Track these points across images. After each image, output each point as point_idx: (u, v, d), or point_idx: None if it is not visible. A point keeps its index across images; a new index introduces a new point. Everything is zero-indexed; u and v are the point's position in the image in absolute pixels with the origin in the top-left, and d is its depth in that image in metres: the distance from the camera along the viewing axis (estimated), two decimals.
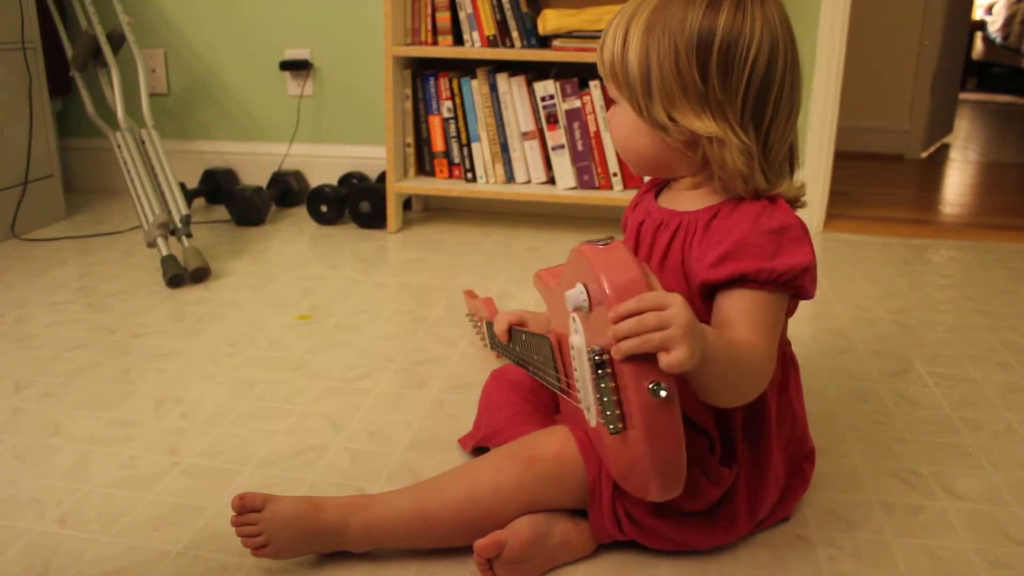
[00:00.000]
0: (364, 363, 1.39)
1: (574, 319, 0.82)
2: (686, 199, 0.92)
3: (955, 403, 1.28)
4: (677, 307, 0.72)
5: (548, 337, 0.93)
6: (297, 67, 2.34)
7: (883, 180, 2.98)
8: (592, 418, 0.84)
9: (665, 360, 0.71)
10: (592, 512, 0.89)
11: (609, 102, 0.93)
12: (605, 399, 0.76)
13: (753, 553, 0.92)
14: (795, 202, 0.90)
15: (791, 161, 0.91)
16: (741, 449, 0.90)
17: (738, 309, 0.83)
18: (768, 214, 0.85)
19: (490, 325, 1.15)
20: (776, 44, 0.85)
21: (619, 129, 0.92)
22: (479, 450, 1.08)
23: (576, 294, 0.77)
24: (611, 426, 0.76)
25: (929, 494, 1.04)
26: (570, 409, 0.94)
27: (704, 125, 0.84)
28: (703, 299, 0.86)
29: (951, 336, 1.53)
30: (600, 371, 0.75)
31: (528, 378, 1.07)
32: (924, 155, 3.47)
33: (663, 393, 0.72)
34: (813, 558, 0.92)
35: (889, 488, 1.05)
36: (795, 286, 0.84)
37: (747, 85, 0.84)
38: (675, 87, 0.84)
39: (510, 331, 1.10)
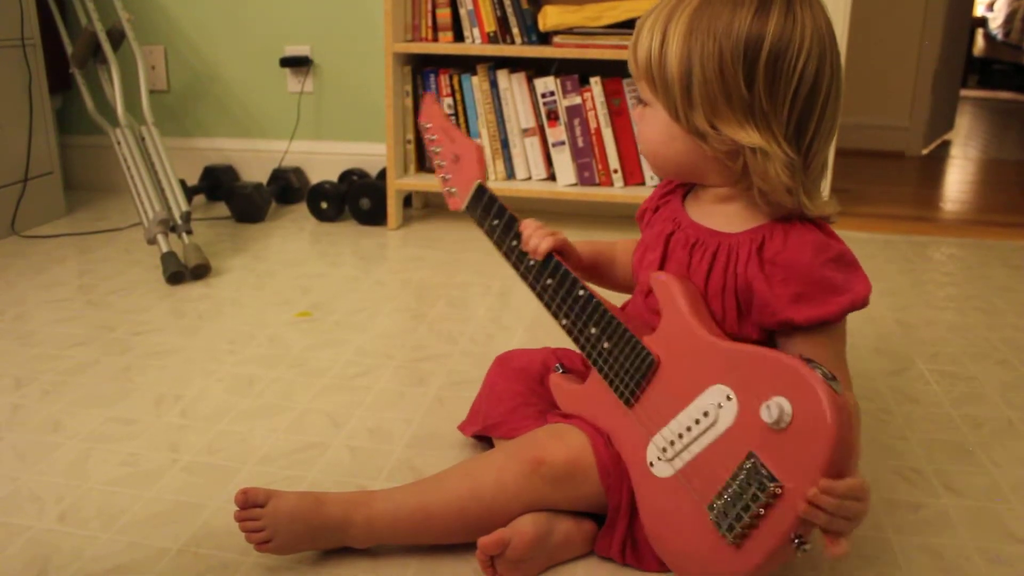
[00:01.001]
0: (364, 360, 1.39)
1: (728, 396, 0.76)
2: (720, 215, 0.88)
3: (956, 401, 1.28)
4: (867, 503, 0.71)
5: (653, 354, 0.84)
6: (297, 64, 2.34)
7: (884, 177, 2.98)
8: (667, 470, 0.82)
9: (834, 550, 0.70)
10: (603, 535, 0.89)
11: (636, 101, 0.88)
12: (742, 513, 0.73)
13: None
14: (830, 220, 0.87)
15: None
16: None
17: (819, 348, 0.83)
18: (823, 242, 0.83)
19: (483, 192, 1.00)
20: (824, 53, 0.81)
21: (650, 133, 0.87)
22: (479, 436, 1.08)
23: (781, 411, 0.71)
24: (728, 536, 0.75)
25: (930, 492, 1.04)
26: (591, 402, 0.92)
27: (748, 136, 0.80)
28: (757, 329, 0.85)
29: (952, 334, 1.53)
30: (759, 492, 0.72)
31: (533, 366, 1.04)
32: (925, 152, 3.47)
33: (804, 549, 0.71)
34: (813, 555, 0.92)
35: (890, 485, 1.05)
36: (859, 309, 0.85)
37: (794, 95, 0.80)
38: (719, 94, 0.80)
39: (548, 258, 0.94)
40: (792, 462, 0.71)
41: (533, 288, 0.96)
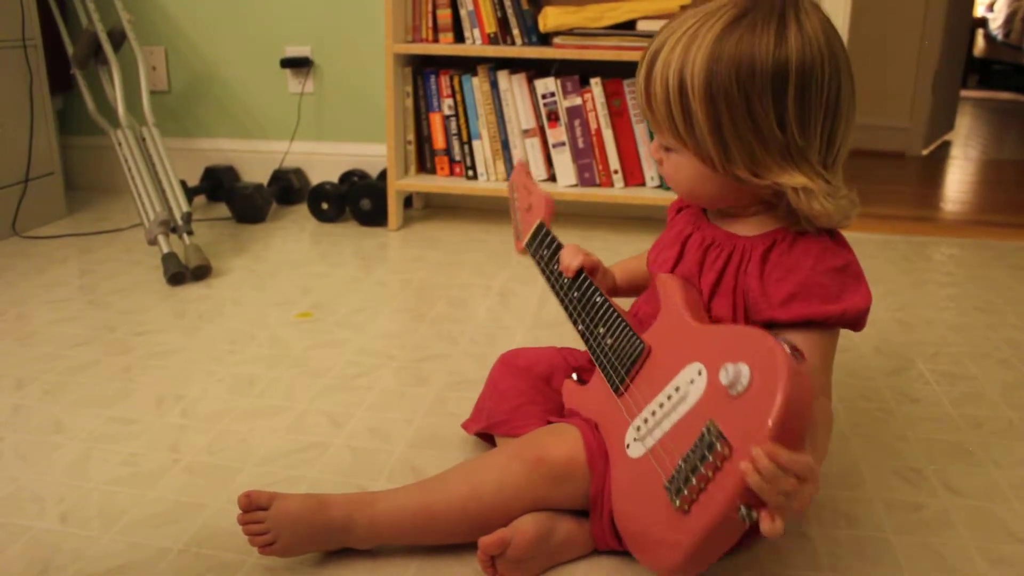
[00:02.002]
0: (365, 361, 1.39)
1: (700, 371, 0.77)
2: (740, 220, 0.89)
3: (956, 400, 1.28)
4: (812, 487, 0.69)
5: (644, 343, 0.86)
6: (298, 64, 2.34)
7: (884, 177, 2.98)
8: (639, 449, 0.82)
9: (767, 525, 0.69)
10: (594, 522, 0.89)
11: (657, 146, 0.86)
12: (690, 475, 0.74)
13: (753, 550, 0.92)
14: (845, 223, 0.85)
15: None
16: None
17: (804, 348, 0.83)
18: (831, 251, 0.84)
19: (542, 229, 1.05)
20: (838, 59, 0.80)
21: (681, 177, 0.86)
22: (481, 435, 1.08)
23: (738, 374, 0.72)
24: (675, 501, 0.75)
25: (930, 492, 1.04)
26: (592, 402, 0.93)
27: (791, 178, 0.79)
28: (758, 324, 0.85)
29: (952, 334, 1.53)
30: (707, 451, 0.72)
31: (538, 365, 1.05)
32: (925, 152, 3.47)
33: (750, 518, 0.70)
34: (814, 555, 0.92)
35: (890, 485, 1.05)
36: (853, 324, 0.84)
37: (824, 118, 0.80)
38: (756, 145, 0.79)
39: (578, 273, 0.98)
40: (744, 424, 0.71)
41: (562, 302, 0.99)
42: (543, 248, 1.04)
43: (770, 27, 0.78)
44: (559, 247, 1.02)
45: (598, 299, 0.94)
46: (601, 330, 0.92)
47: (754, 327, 0.78)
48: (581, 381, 0.99)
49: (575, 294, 0.97)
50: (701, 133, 0.80)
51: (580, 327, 0.95)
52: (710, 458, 0.72)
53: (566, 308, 0.98)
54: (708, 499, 0.72)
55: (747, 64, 0.77)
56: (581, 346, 0.98)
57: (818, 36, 0.79)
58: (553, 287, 1.01)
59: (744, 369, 0.72)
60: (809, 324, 0.83)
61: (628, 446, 0.84)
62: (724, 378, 0.73)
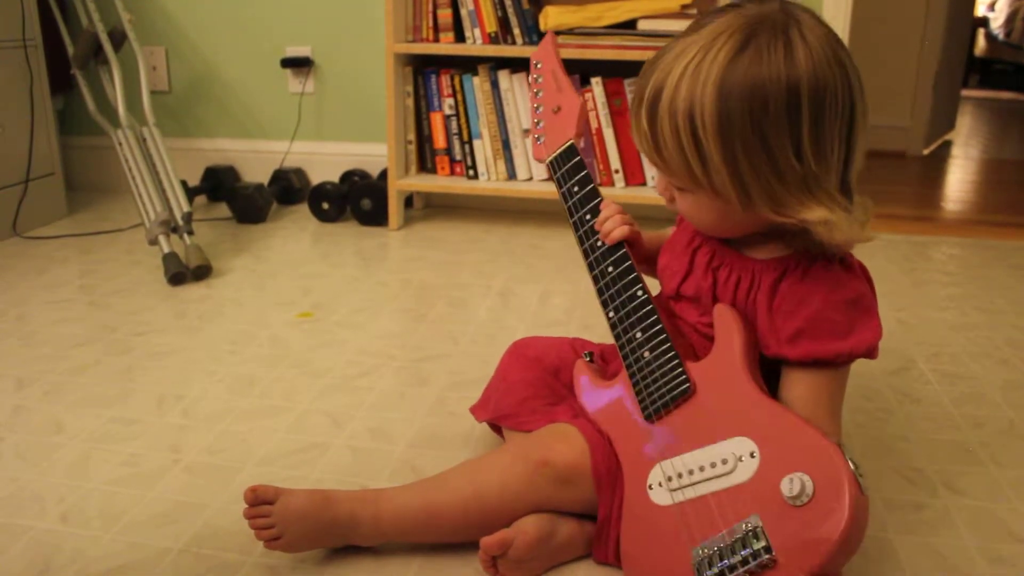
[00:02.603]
0: (365, 361, 1.39)
1: (753, 454, 0.75)
2: (748, 241, 0.86)
3: (957, 400, 1.28)
4: None
5: (690, 382, 0.82)
6: (298, 64, 2.34)
7: (885, 177, 2.98)
8: (664, 498, 0.80)
9: None
10: (597, 549, 0.89)
11: (667, 184, 0.87)
12: (726, 570, 0.73)
13: None
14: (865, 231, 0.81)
15: None
16: None
17: (811, 390, 0.82)
18: (843, 283, 0.81)
19: (572, 153, 0.95)
20: (846, 69, 0.76)
21: (702, 215, 0.83)
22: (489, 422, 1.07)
23: (803, 486, 0.70)
24: None
25: (931, 491, 1.04)
26: (611, 410, 0.90)
27: (812, 212, 0.75)
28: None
29: (953, 333, 1.53)
30: (751, 558, 0.72)
31: (548, 356, 1.03)
32: (926, 152, 3.47)
33: None
34: None
35: (891, 485, 1.05)
36: (864, 356, 0.83)
37: (840, 140, 0.76)
38: (774, 182, 0.75)
39: (618, 245, 0.91)
40: (794, 541, 0.70)
41: (591, 269, 0.92)
42: (572, 180, 0.96)
43: (777, 50, 0.74)
44: (594, 192, 0.94)
45: (639, 293, 0.88)
46: (639, 336, 0.87)
47: (817, 430, 0.75)
48: (592, 363, 0.97)
49: (609, 268, 0.90)
50: (719, 174, 0.76)
51: (612, 315, 0.89)
52: (751, 564, 0.72)
53: (595, 278, 0.92)
54: None
55: (760, 95, 0.73)
56: (587, 335, 0.95)
57: (825, 50, 0.75)
58: (581, 241, 0.93)
59: (809, 486, 0.71)
60: (817, 362, 0.82)
61: (651, 487, 0.82)
62: (787, 489, 0.71)
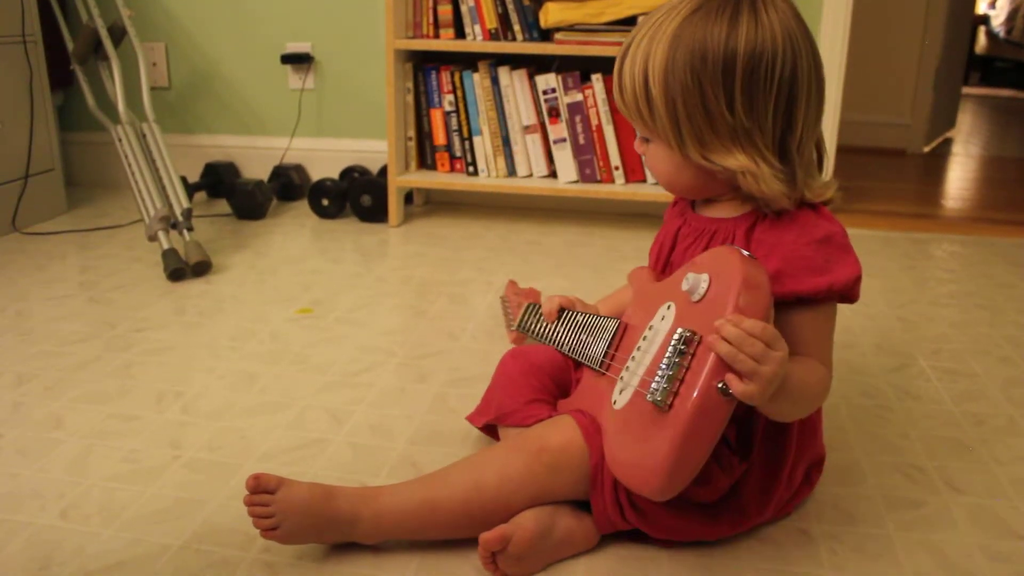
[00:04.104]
0: (365, 357, 1.39)
1: (668, 306, 0.84)
2: (721, 205, 0.92)
3: (957, 398, 1.28)
4: (781, 353, 0.74)
5: (619, 319, 0.95)
6: (298, 61, 2.34)
7: (885, 174, 2.98)
8: (626, 395, 0.84)
9: (740, 387, 0.73)
10: (594, 498, 0.89)
11: (639, 138, 0.95)
12: (669, 374, 0.77)
13: (754, 547, 0.92)
14: (829, 203, 0.89)
15: (819, 153, 0.91)
16: (758, 446, 0.90)
17: (797, 327, 0.84)
18: (812, 222, 0.86)
19: (531, 306, 1.12)
20: (797, 49, 0.83)
21: (660, 166, 0.91)
22: (485, 428, 1.08)
23: (698, 279, 0.79)
24: (660, 399, 0.77)
25: (931, 489, 1.04)
26: (585, 395, 0.95)
27: (736, 160, 0.83)
28: None
29: (953, 331, 1.53)
30: (681, 347, 0.77)
31: (548, 363, 1.05)
32: (926, 150, 3.46)
33: (729, 393, 0.74)
34: (815, 552, 0.92)
35: (891, 483, 1.05)
36: (846, 295, 0.86)
37: (775, 103, 0.83)
38: (704, 127, 0.83)
39: (560, 311, 1.05)
40: (709, 317, 0.76)
41: (559, 347, 1.03)
42: (533, 318, 1.09)
43: (723, 17, 0.82)
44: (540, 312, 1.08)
45: (579, 318, 1.01)
46: (584, 337, 0.98)
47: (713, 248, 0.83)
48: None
49: (561, 329, 1.03)
50: (659, 116, 0.84)
51: (565, 348, 1.01)
52: (684, 349, 0.77)
53: (559, 347, 1.03)
54: (687, 387, 0.76)
55: (700, 51, 0.82)
56: None
57: (774, 25, 0.82)
58: (552, 342, 1.05)
59: (703, 275, 0.79)
60: (800, 301, 0.84)
61: (615, 402, 0.86)
62: (685, 285, 0.79)
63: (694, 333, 0.77)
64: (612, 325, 0.95)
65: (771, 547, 0.93)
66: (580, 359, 0.98)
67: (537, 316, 1.09)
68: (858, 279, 0.86)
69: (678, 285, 0.82)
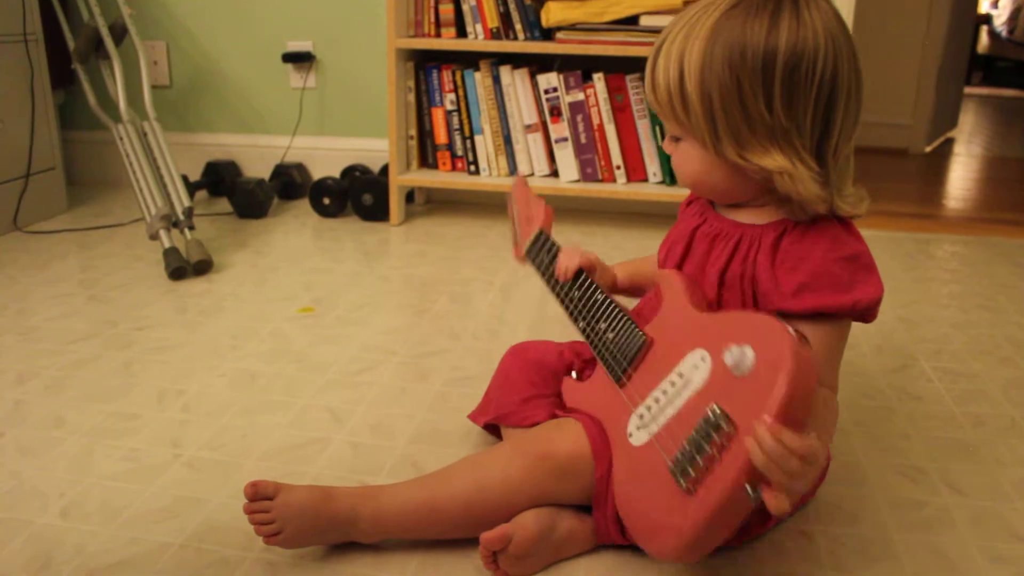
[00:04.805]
0: (366, 356, 1.39)
1: (703, 358, 0.78)
2: (748, 210, 0.90)
3: (958, 398, 1.27)
4: (815, 470, 0.70)
5: (646, 334, 0.87)
6: (299, 59, 2.33)
7: (887, 174, 2.97)
8: (643, 436, 0.82)
9: (771, 501, 0.70)
10: (597, 514, 0.89)
11: (669, 139, 0.91)
12: (695, 456, 0.74)
13: (755, 548, 0.92)
14: (859, 216, 0.87)
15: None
16: None
17: (815, 341, 0.82)
18: (841, 239, 0.84)
19: (541, 236, 1.05)
20: (839, 50, 0.81)
21: (688, 167, 0.87)
22: (487, 427, 1.08)
23: (743, 357, 0.73)
24: (682, 482, 0.75)
25: (932, 490, 1.04)
26: (595, 398, 0.93)
27: (773, 160, 0.81)
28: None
29: (955, 331, 1.53)
30: (712, 430, 0.73)
31: (548, 358, 1.04)
32: (928, 149, 3.46)
33: (756, 498, 0.71)
34: (815, 553, 0.92)
35: (892, 484, 1.05)
36: (864, 315, 0.85)
37: (815, 104, 0.80)
38: (742, 125, 0.81)
39: (578, 274, 0.98)
40: (749, 405, 0.71)
41: (563, 304, 0.99)
42: (542, 253, 1.04)
43: (764, 13, 0.80)
44: (558, 251, 1.02)
45: (599, 296, 0.94)
46: (602, 325, 0.92)
47: (760, 312, 0.78)
48: (579, 379, 1.00)
49: (575, 294, 0.97)
50: (695, 113, 0.82)
51: (581, 324, 0.95)
52: (715, 437, 0.72)
53: (567, 309, 0.98)
54: (714, 480, 0.73)
55: (739, 47, 0.79)
56: None
57: (816, 26, 0.80)
58: (554, 291, 1.01)
59: (748, 350, 0.73)
60: (820, 315, 0.83)
61: (631, 435, 0.84)
62: (728, 359, 0.74)
63: (729, 420, 0.72)
64: (637, 338, 0.87)
65: (772, 547, 0.92)
66: (594, 351, 0.93)
67: (549, 254, 1.02)
68: (879, 300, 0.84)
69: (718, 335, 0.78)
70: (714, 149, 0.83)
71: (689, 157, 0.87)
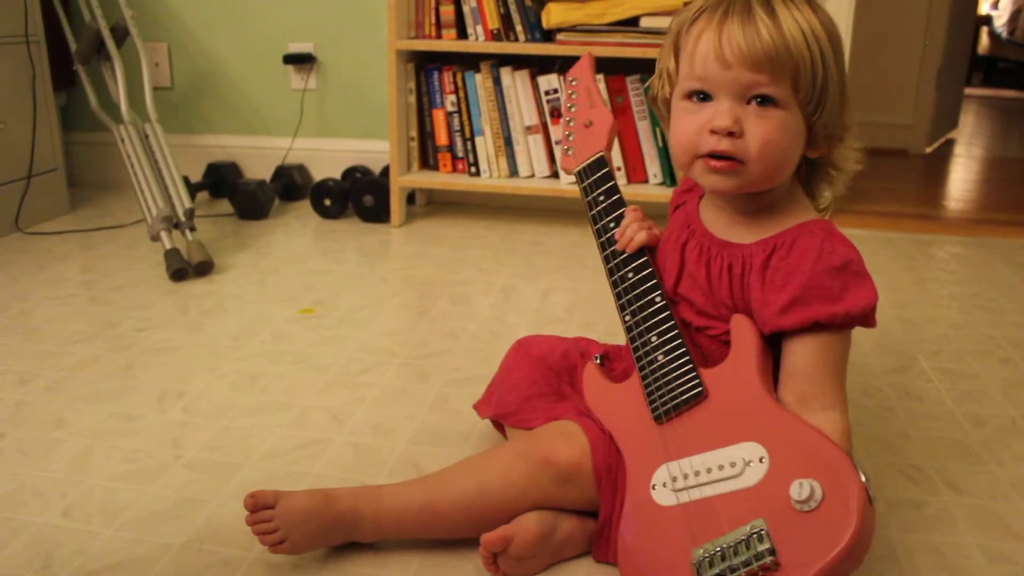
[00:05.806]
0: (367, 357, 1.39)
1: (761, 459, 0.76)
2: (736, 225, 0.89)
3: (958, 399, 1.28)
4: None
5: (703, 387, 0.83)
6: (301, 61, 2.34)
7: (887, 175, 2.97)
8: (669, 499, 0.80)
9: None
10: (597, 545, 0.89)
11: (757, 103, 0.82)
12: (727, 571, 0.73)
13: None
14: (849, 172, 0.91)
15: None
16: None
17: (812, 357, 0.82)
18: (828, 249, 0.83)
19: (602, 159, 0.99)
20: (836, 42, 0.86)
21: (778, 135, 0.82)
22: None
23: (812, 494, 0.71)
24: None
25: (932, 489, 1.04)
26: (623, 409, 0.90)
27: (846, 119, 0.86)
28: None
29: (954, 332, 1.53)
30: (754, 559, 0.71)
31: (552, 356, 1.02)
32: (929, 150, 3.46)
33: None
34: None
35: (892, 483, 1.05)
36: (862, 322, 0.84)
37: (839, 80, 0.85)
38: (836, 88, 0.84)
39: (639, 252, 0.92)
40: (799, 546, 0.70)
41: (611, 275, 0.94)
42: (599, 190, 0.98)
43: (807, 3, 0.84)
44: (619, 202, 0.96)
45: (657, 299, 0.89)
46: (654, 339, 0.88)
47: (827, 438, 0.76)
48: (603, 366, 0.97)
49: (629, 274, 0.92)
50: (805, 68, 0.81)
51: (628, 319, 0.91)
52: (754, 565, 0.71)
53: (613, 284, 0.93)
54: None
55: (827, 17, 0.84)
56: (588, 333, 0.95)
57: (829, 15, 0.86)
58: (602, 247, 0.95)
59: (818, 492, 0.71)
60: (815, 327, 0.82)
61: (655, 487, 0.82)
62: (796, 492, 0.71)
63: (775, 558, 0.70)
64: (692, 385, 0.84)
65: None
66: (636, 361, 0.89)
67: (608, 197, 0.96)
68: (872, 307, 0.83)
69: (783, 441, 0.76)
70: (815, 109, 0.83)
71: (783, 125, 0.82)
